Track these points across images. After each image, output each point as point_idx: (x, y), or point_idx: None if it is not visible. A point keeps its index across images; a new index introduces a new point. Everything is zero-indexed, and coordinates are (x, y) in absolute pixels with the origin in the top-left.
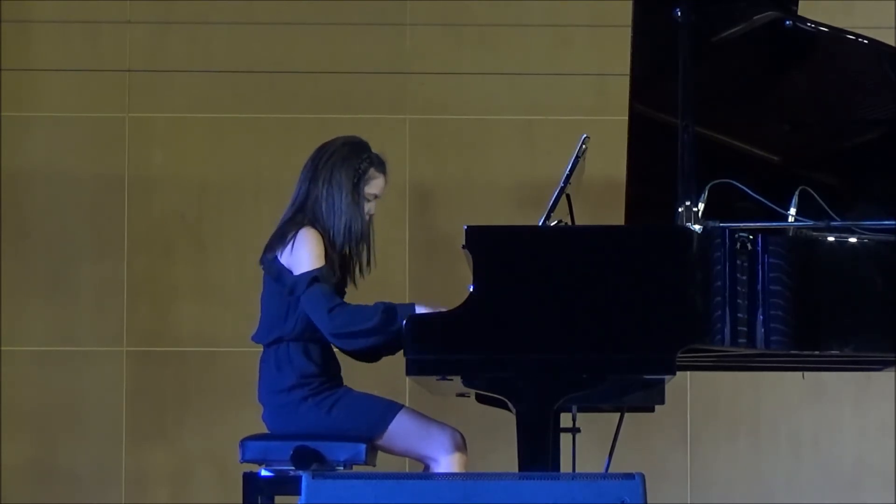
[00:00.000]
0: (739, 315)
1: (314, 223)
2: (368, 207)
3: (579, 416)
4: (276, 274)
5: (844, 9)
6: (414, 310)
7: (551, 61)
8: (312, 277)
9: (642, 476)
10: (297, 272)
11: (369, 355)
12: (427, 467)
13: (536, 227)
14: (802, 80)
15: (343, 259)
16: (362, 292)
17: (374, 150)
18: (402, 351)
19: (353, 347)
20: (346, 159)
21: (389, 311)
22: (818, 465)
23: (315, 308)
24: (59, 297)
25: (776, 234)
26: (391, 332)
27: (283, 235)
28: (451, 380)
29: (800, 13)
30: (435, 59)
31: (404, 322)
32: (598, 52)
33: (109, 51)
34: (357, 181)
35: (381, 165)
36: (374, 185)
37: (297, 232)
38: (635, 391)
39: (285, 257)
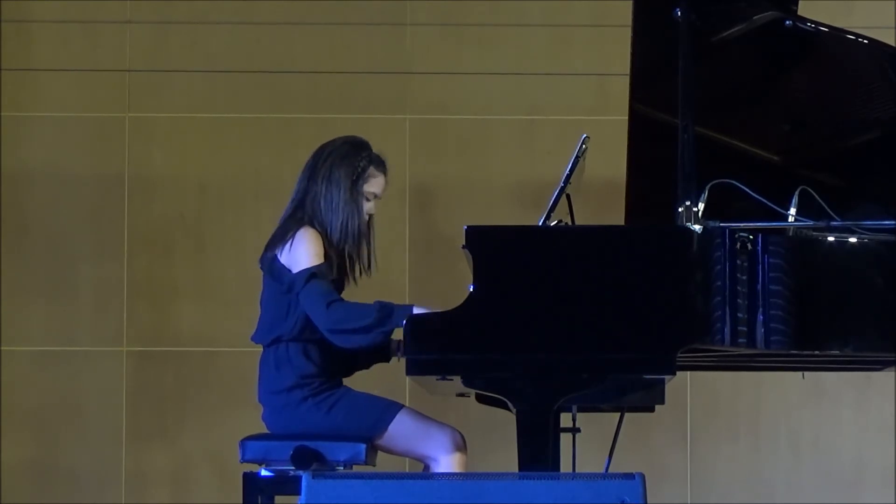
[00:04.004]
0: (739, 315)
1: (313, 220)
2: (368, 207)
3: (579, 416)
4: (276, 273)
5: (844, 9)
6: (412, 311)
7: (551, 61)
8: (311, 273)
9: (642, 476)
10: (295, 270)
11: (360, 360)
12: (427, 467)
13: (536, 227)
14: (802, 80)
15: (342, 259)
16: (362, 292)
17: (375, 150)
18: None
19: (348, 345)
20: (346, 157)
21: (386, 310)
22: (818, 465)
23: (313, 303)
24: (59, 297)
25: (776, 234)
26: (386, 332)
27: (283, 234)
28: (451, 380)
29: (800, 13)
30: (435, 59)
31: (404, 322)
32: (598, 52)
33: (109, 51)
34: (356, 179)
35: (381, 165)
36: (374, 184)
37: (296, 231)
38: (635, 391)
39: (284, 256)
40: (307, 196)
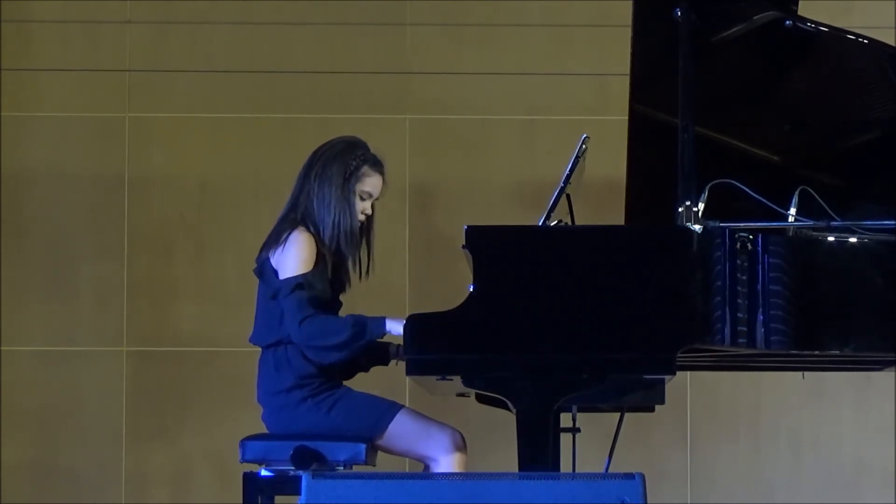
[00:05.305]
0: (739, 315)
1: (306, 220)
2: (362, 206)
3: (579, 416)
4: (266, 275)
5: (844, 9)
6: (384, 324)
7: (551, 61)
8: (296, 284)
9: (642, 476)
10: (282, 276)
11: (344, 371)
12: (427, 467)
13: (536, 227)
14: (802, 80)
15: (339, 259)
16: (363, 291)
17: (373, 151)
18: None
19: (323, 360)
20: (339, 154)
21: (359, 326)
22: (818, 465)
23: (290, 317)
24: (59, 297)
25: (776, 234)
26: (361, 347)
27: (277, 236)
28: (451, 380)
29: (800, 13)
30: (435, 59)
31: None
32: (598, 52)
33: (109, 51)
34: (348, 177)
35: (376, 165)
36: (368, 183)
37: (290, 233)
38: (635, 391)
39: (276, 257)
40: (301, 195)
